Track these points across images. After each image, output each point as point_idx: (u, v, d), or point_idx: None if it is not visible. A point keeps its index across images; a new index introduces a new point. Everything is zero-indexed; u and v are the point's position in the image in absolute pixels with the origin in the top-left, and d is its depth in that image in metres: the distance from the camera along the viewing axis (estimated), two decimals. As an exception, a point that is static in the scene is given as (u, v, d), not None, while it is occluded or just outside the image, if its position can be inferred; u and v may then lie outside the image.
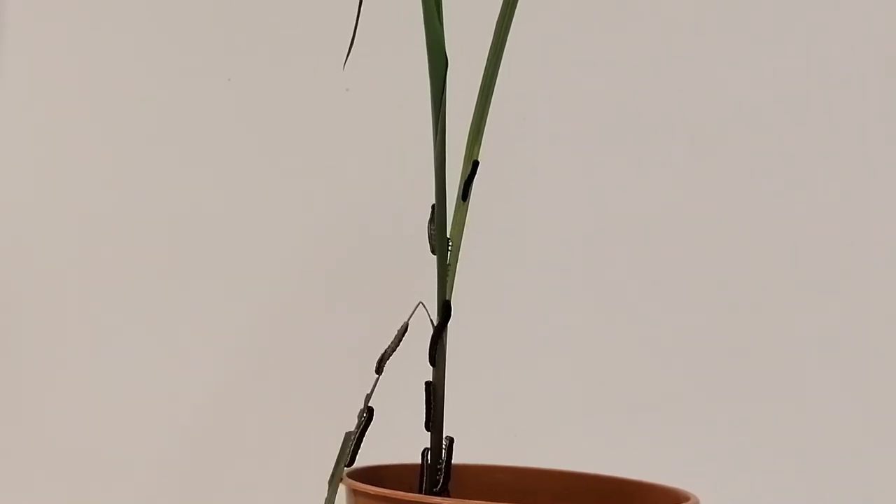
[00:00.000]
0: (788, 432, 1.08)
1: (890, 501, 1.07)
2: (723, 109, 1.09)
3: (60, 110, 1.16)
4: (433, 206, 0.75)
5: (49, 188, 1.16)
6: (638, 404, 1.09)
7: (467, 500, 0.68)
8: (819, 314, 1.08)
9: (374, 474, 0.76)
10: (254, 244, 1.13)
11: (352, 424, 0.76)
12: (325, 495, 0.74)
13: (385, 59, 1.09)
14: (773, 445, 1.08)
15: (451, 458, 0.75)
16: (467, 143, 0.76)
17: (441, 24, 0.74)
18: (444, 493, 0.74)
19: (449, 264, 0.75)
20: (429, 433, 0.76)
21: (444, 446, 0.75)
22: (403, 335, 0.76)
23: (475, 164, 0.76)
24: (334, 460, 0.75)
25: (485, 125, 0.76)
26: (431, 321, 0.75)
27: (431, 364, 0.75)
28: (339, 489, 0.74)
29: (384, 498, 0.70)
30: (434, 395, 0.75)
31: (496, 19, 0.75)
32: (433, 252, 0.75)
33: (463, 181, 0.76)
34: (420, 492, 0.75)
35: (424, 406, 0.75)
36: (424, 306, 0.75)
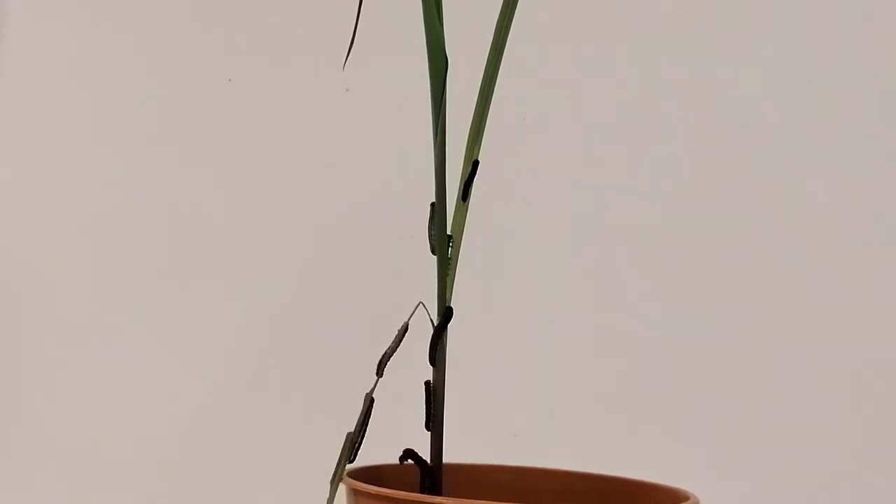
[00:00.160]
0: (788, 432, 1.08)
1: (890, 501, 1.07)
2: (723, 109, 1.09)
3: (60, 110, 1.16)
4: (432, 205, 0.75)
5: (49, 188, 1.16)
6: (638, 404, 1.09)
7: (467, 500, 0.68)
8: (819, 315, 1.08)
9: (374, 474, 0.76)
10: (254, 244, 1.13)
11: (352, 425, 0.76)
12: (327, 495, 0.74)
13: (385, 59, 1.09)
14: (773, 445, 1.08)
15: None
16: (467, 143, 0.76)
17: (441, 24, 0.74)
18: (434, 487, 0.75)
19: (450, 263, 0.75)
20: (429, 433, 0.76)
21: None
22: (404, 335, 0.76)
23: (475, 163, 0.76)
24: (335, 460, 0.75)
25: (485, 125, 0.76)
26: (431, 321, 0.75)
27: (432, 364, 0.75)
28: (339, 489, 0.74)
29: (384, 498, 0.70)
30: (434, 395, 0.75)
31: (496, 19, 0.75)
32: (433, 252, 0.75)
33: (463, 181, 0.76)
34: (421, 491, 0.75)
35: (424, 406, 0.75)
36: (424, 306, 0.75)
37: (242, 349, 1.13)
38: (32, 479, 1.14)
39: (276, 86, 1.13)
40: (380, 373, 0.75)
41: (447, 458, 0.76)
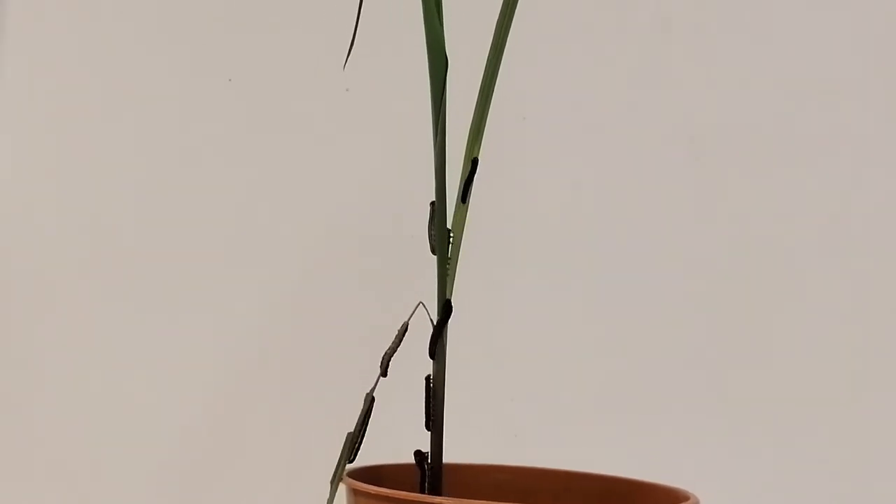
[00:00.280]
0: (788, 432, 1.08)
1: (890, 501, 1.06)
2: (723, 109, 1.09)
3: (60, 110, 1.16)
4: (432, 204, 0.75)
5: (49, 188, 1.16)
6: (638, 404, 1.09)
7: (467, 500, 0.68)
8: (819, 315, 1.08)
9: (374, 474, 0.76)
10: (254, 244, 1.13)
11: (352, 425, 0.76)
12: (327, 495, 0.74)
13: (385, 59, 1.09)
14: (774, 445, 1.08)
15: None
16: (467, 143, 0.76)
17: (441, 24, 0.74)
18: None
19: (450, 261, 0.75)
20: (429, 433, 0.76)
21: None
22: (404, 335, 0.76)
23: (475, 161, 0.76)
24: (335, 460, 0.75)
25: (485, 125, 0.76)
26: (431, 321, 0.75)
27: (431, 357, 0.75)
28: (339, 489, 0.74)
29: (384, 498, 0.70)
30: (434, 394, 0.75)
31: (496, 19, 0.75)
32: (433, 252, 0.75)
33: (463, 181, 0.76)
34: (421, 491, 0.75)
35: (424, 406, 0.75)
36: (424, 306, 0.75)
37: (242, 349, 1.13)
38: (32, 479, 1.14)
39: (276, 86, 1.13)
40: (384, 372, 0.75)
41: (447, 458, 0.76)
